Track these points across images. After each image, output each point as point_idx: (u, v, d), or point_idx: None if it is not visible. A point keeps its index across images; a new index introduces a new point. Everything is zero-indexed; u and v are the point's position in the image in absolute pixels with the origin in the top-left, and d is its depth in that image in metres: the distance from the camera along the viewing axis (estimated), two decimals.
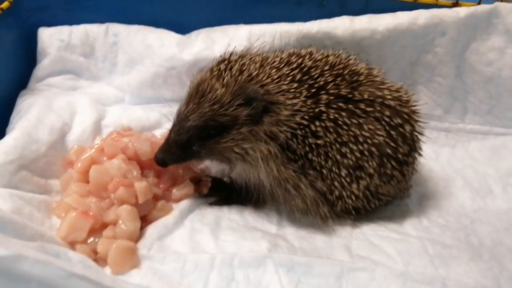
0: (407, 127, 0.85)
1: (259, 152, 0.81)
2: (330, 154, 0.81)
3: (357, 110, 0.82)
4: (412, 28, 1.02)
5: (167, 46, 1.08)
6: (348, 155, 0.81)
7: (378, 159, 0.83)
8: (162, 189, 0.89)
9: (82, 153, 0.90)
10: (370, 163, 0.82)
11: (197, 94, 0.82)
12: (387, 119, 0.83)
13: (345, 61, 0.87)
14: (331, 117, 0.80)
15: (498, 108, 1.09)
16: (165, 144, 0.84)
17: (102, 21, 1.14)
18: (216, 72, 0.82)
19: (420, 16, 1.02)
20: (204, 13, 1.14)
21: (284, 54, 0.87)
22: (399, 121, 0.84)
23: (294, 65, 0.83)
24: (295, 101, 0.79)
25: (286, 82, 0.80)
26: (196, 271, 0.74)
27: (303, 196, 0.84)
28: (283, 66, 0.83)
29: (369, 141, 0.82)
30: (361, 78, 0.85)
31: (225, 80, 0.80)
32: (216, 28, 1.10)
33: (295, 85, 0.80)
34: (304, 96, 0.80)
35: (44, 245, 0.59)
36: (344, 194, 0.84)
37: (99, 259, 0.76)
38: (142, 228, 0.83)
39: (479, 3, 1.07)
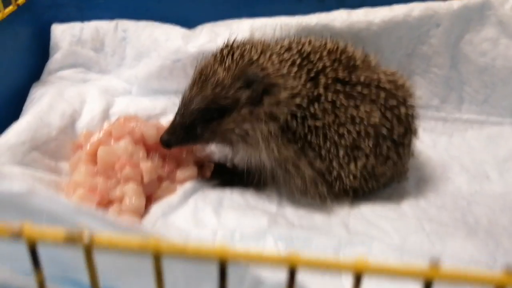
0: (402, 109, 0.88)
1: (260, 132, 0.84)
2: (328, 135, 0.85)
3: (354, 93, 0.85)
4: (407, 20, 1.06)
5: (172, 40, 1.13)
6: (346, 136, 0.84)
7: (374, 139, 0.85)
8: (166, 171, 0.93)
9: (91, 136, 0.94)
10: (367, 143, 0.85)
11: (201, 79, 0.86)
12: (382, 101, 0.86)
13: (343, 47, 0.91)
14: (329, 99, 0.84)
15: (494, 97, 1.12)
16: (171, 127, 0.88)
17: (112, 18, 1.20)
18: (219, 58, 0.87)
19: (415, 9, 1.07)
20: (209, 10, 1.20)
21: (284, 42, 0.92)
22: (394, 103, 0.87)
23: (294, 51, 0.87)
24: (295, 84, 0.83)
25: (286, 66, 0.84)
26: None
27: (302, 176, 0.87)
28: (283, 52, 0.87)
29: (365, 122, 0.85)
30: (358, 62, 0.88)
31: (226, 64, 0.84)
32: (220, 22, 1.15)
33: (295, 69, 0.84)
34: (304, 80, 0.84)
35: None
36: (342, 174, 0.87)
37: None
38: (147, 207, 0.87)
39: None
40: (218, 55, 0.88)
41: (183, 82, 1.12)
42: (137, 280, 0.42)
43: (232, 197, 0.91)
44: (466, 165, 1.02)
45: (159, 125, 1.00)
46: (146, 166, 0.87)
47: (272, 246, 0.77)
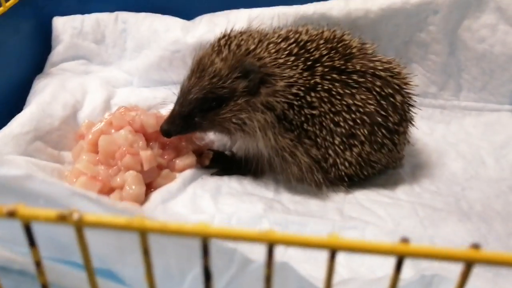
0: (398, 97, 0.88)
1: (256, 121, 0.86)
2: (324, 124, 0.86)
3: (350, 81, 0.86)
4: (405, 7, 1.06)
5: (172, 31, 1.14)
6: (341, 124, 0.86)
7: (369, 127, 0.87)
8: (166, 159, 0.95)
9: (92, 126, 0.97)
10: (362, 131, 0.86)
11: (199, 69, 0.88)
12: (378, 89, 0.87)
13: (340, 36, 0.91)
14: (326, 88, 0.85)
15: (492, 84, 1.12)
16: (170, 116, 0.90)
17: (112, 10, 1.21)
18: (216, 48, 0.88)
19: None
20: (207, 1, 1.21)
21: (282, 31, 0.92)
22: (390, 91, 0.87)
23: (291, 40, 0.87)
24: (291, 73, 0.84)
25: (283, 56, 0.85)
26: None
27: (299, 164, 0.88)
28: (280, 41, 0.87)
29: (361, 110, 0.86)
30: (354, 51, 0.89)
31: (224, 55, 0.85)
32: (219, 13, 1.16)
33: (292, 58, 0.85)
34: (301, 69, 0.85)
35: None
36: (338, 161, 0.88)
37: None
38: (147, 194, 0.89)
39: None
40: (216, 45, 0.89)
41: (182, 73, 1.13)
42: (130, 260, 0.45)
43: (230, 184, 0.93)
44: (463, 151, 1.03)
45: (159, 114, 1.02)
46: (146, 154, 0.89)
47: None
